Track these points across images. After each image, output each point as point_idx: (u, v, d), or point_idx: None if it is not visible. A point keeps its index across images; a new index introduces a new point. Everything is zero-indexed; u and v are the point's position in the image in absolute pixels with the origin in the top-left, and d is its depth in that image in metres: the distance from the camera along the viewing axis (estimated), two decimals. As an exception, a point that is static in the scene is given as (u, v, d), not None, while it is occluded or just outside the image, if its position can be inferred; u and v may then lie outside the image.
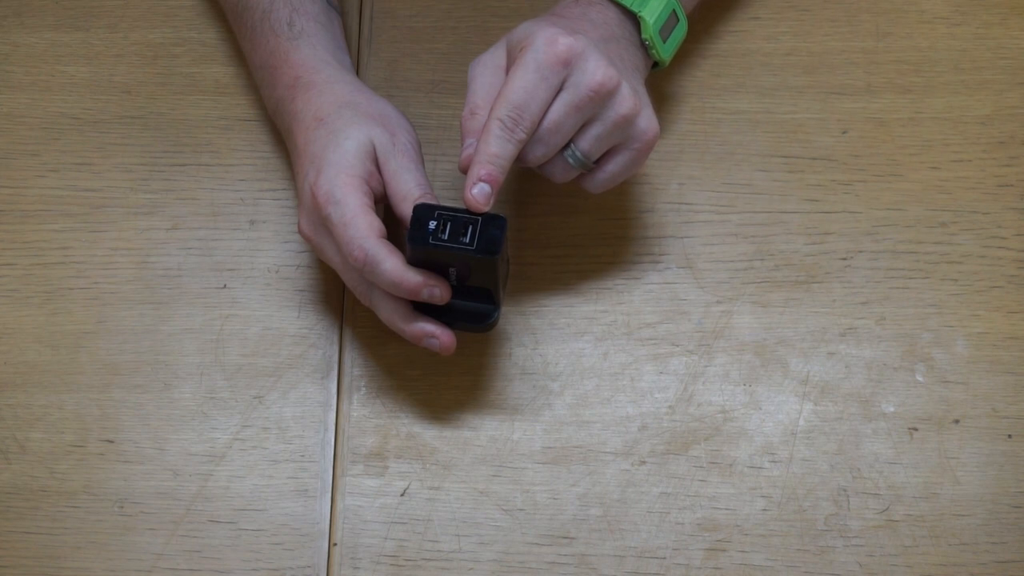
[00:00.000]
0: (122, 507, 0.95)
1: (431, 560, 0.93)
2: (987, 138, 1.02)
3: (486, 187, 0.88)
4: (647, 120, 0.91)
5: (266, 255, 1.00)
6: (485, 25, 1.06)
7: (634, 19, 0.95)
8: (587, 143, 0.91)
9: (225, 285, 1.00)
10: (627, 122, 0.90)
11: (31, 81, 1.05)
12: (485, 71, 0.91)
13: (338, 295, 0.99)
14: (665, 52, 0.97)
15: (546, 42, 0.88)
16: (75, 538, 0.94)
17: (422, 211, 0.89)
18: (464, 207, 0.89)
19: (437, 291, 0.90)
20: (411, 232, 0.88)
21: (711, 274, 0.99)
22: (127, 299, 0.99)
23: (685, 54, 1.05)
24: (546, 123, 0.89)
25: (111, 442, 0.96)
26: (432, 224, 0.88)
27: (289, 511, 0.95)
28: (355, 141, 0.91)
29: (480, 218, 0.88)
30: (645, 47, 0.96)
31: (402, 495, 0.95)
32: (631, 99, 0.90)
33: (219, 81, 1.05)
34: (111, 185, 1.02)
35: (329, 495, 0.95)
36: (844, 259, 1.00)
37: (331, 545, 0.94)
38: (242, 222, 1.01)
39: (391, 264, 0.89)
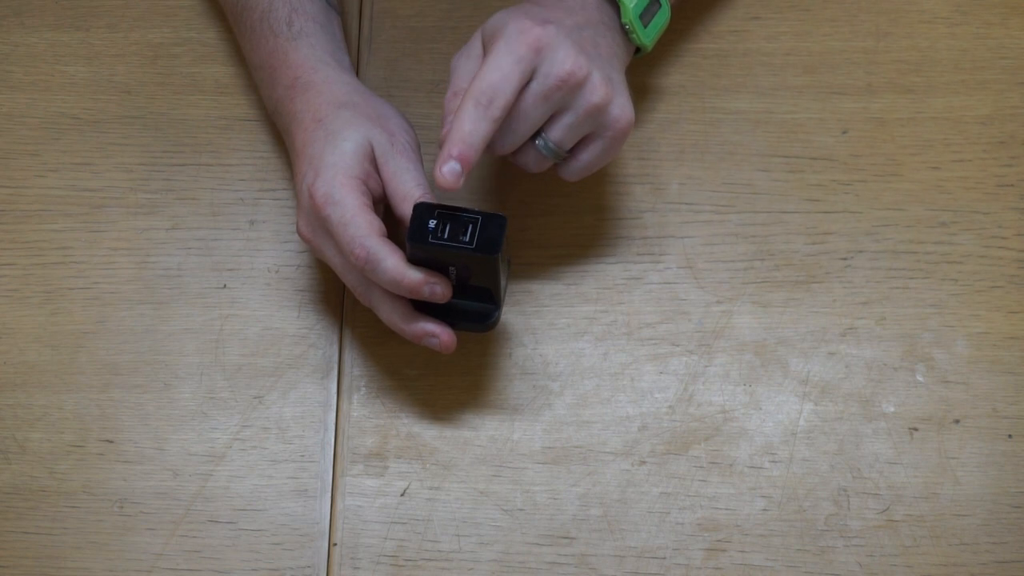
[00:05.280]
0: (122, 507, 0.95)
1: (431, 560, 0.93)
2: (987, 138, 1.02)
3: (456, 165, 0.87)
4: (620, 108, 0.91)
5: (266, 255, 1.00)
6: (485, 25, 1.06)
7: (614, 3, 0.95)
8: (558, 132, 0.91)
9: (225, 285, 1.00)
10: (599, 111, 0.91)
11: (31, 81, 1.05)
12: (468, 61, 0.92)
13: (338, 295, 0.99)
14: (646, 37, 0.96)
15: (517, 31, 0.89)
16: (75, 538, 0.94)
17: (422, 210, 0.89)
18: (464, 206, 0.89)
19: (438, 288, 0.90)
20: (411, 231, 0.88)
21: (711, 274, 0.99)
22: (127, 299, 0.99)
23: (685, 54, 1.05)
24: (514, 111, 0.90)
25: (111, 442, 0.96)
26: (432, 223, 0.88)
27: (289, 511, 0.95)
28: (353, 142, 0.91)
29: (480, 217, 0.88)
30: (625, 32, 0.96)
31: (402, 495, 0.95)
32: (602, 88, 0.90)
33: (219, 81, 1.05)
34: (111, 185, 1.02)
35: (329, 495, 0.95)
36: (844, 259, 1.00)
37: (331, 545, 0.94)
38: (242, 222, 1.01)
39: (392, 262, 0.89)
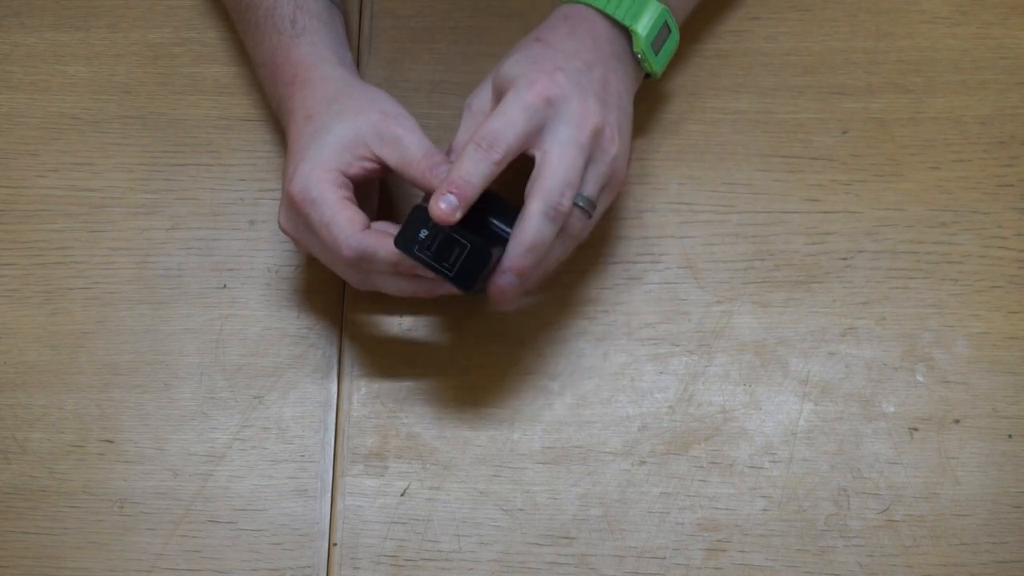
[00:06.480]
0: (122, 507, 0.95)
1: (431, 560, 0.93)
2: (987, 138, 1.02)
3: (453, 199, 0.87)
4: (623, 155, 0.93)
5: (266, 255, 1.00)
6: (485, 25, 1.06)
7: (625, 32, 0.95)
8: (591, 186, 0.91)
9: (225, 285, 1.00)
10: (615, 160, 0.91)
11: (31, 81, 1.05)
12: (471, 117, 0.93)
13: (338, 295, 0.99)
14: (657, 64, 0.97)
15: (527, 83, 0.89)
16: (75, 538, 0.94)
17: (419, 215, 0.88)
18: (457, 228, 0.88)
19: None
20: (400, 234, 0.88)
21: (711, 274, 0.99)
22: (127, 299, 0.99)
23: (685, 54, 1.05)
24: (565, 172, 0.89)
25: (111, 442, 0.96)
26: (423, 233, 0.88)
27: (289, 511, 0.95)
28: (336, 135, 0.91)
29: (469, 245, 0.87)
30: (637, 60, 0.96)
31: (402, 495, 0.95)
32: (615, 137, 0.91)
33: (219, 81, 1.05)
34: (111, 185, 1.02)
35: (329, 495, 0.95)
36: (844, 259, 1.00)
37: (331, 545, 0.94)
38: (242, 222, 1.01)
39: (385, 252, 0.89)
